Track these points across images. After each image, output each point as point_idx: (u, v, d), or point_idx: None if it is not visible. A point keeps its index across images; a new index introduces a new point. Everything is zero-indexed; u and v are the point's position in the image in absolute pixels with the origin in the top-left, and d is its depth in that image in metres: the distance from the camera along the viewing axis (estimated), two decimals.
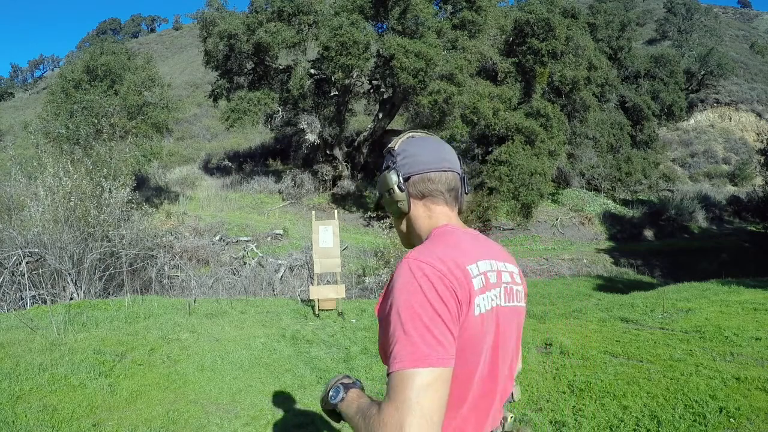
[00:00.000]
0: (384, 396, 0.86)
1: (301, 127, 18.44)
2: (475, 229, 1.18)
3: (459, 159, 1.16)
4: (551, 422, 3.16)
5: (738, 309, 5.93)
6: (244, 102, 16.74)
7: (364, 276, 10.37)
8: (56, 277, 6.77)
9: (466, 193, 1.17)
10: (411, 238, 1.15)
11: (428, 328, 0.86)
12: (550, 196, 19.79)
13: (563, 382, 3.74)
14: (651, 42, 42.79)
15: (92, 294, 6.94)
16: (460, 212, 1.16)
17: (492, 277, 1.02)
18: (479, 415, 1.00)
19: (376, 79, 18.20)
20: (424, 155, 1.10)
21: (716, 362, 3.99)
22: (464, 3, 17.61)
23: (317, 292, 6.28)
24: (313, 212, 8.31)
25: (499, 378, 1.03)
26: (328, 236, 6.53)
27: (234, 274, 11.02)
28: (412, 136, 1.15)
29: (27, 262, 6.45)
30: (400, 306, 0.88)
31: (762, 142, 24.12)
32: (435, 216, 1.10)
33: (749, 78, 37.52)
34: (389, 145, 1.16)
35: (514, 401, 1.15)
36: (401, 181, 1.09)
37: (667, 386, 3.52)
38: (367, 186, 19.89)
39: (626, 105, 24.50)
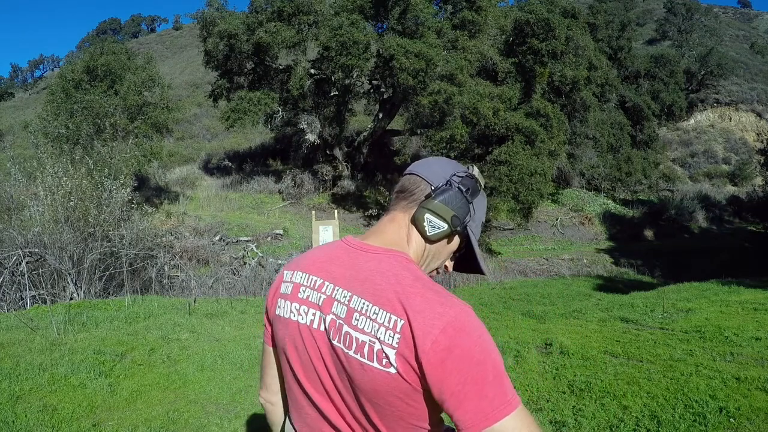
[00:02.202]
0: None
1: (301, 127, 18.43)
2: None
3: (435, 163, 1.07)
4: (551, 422, 3.16)
5: (738, 309, 5.93)
6: (244, 102, 16.73)
7: None
8: (56, 277, 6.78)
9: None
10: None
11: None
12: (550, 196, 19.77)
13: (563, 382, 3.74)
14: (651, 42, 42.77)
15: (92, 294, 6.94)
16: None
17: (306, 293, 0.98)
18: (299, 417, 1.04)
19: (376, 79, 18.19)
20: None
21: (716, 362, 3.99)
22: (464, 3, 17.59)
23: None
24: (313, 212, 8.32)
25: (319, 407, 0.97)
26: (328, 236, 6.54)
27: (234, 274, 11.03)
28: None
29: (27, 262, 6.45)
30: None
31: (762, 142, 24.14)
32: None
33: (749, 78, 37.46)
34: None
35: None
36: None
37: (667, 386, 3.52)
38: (367, 186, 19.88)
39: (626, 105, 24.47)
